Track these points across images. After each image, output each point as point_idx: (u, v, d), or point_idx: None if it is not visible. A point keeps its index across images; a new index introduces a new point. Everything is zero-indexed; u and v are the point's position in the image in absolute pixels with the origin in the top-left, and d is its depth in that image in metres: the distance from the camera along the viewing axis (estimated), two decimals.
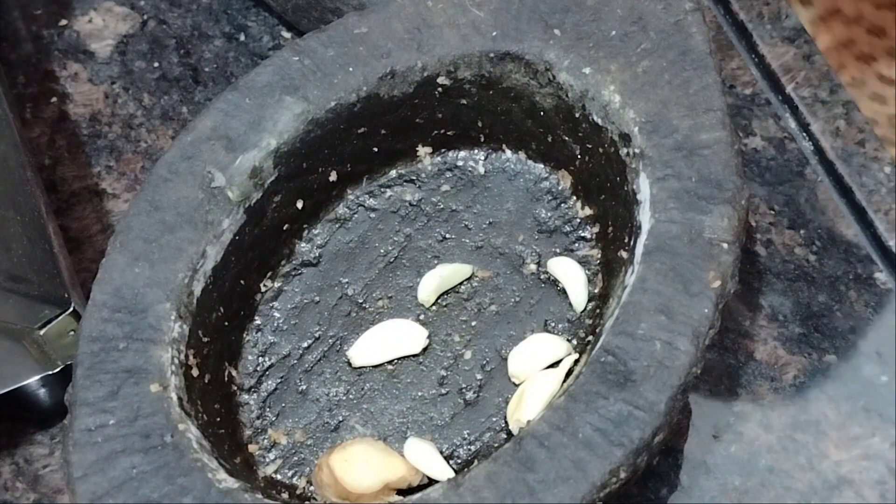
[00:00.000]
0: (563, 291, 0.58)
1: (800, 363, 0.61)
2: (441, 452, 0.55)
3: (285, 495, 0.54)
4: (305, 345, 0.58)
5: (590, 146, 0.57)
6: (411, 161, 0.61)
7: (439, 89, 0.59)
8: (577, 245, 0.59)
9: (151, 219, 0.55)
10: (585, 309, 0.57)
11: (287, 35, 0.72)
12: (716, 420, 0.60)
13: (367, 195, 0.61)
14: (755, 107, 0.68)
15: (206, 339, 0.55)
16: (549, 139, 0.59)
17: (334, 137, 0.59)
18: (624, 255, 0.55)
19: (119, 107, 0.70)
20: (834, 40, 0.79)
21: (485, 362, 0.57)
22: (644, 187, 0.54)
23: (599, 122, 0.56)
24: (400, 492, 0.53)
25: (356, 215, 0.61)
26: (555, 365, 0.55)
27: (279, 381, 0.57)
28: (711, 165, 0.53)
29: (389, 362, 0.57)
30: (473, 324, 0.58)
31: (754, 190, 0.65)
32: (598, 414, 0.49)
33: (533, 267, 0.59)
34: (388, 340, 0.57)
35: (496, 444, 0.55)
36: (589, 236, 0.59)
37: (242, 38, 0.72)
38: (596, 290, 0.57)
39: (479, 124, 0.60)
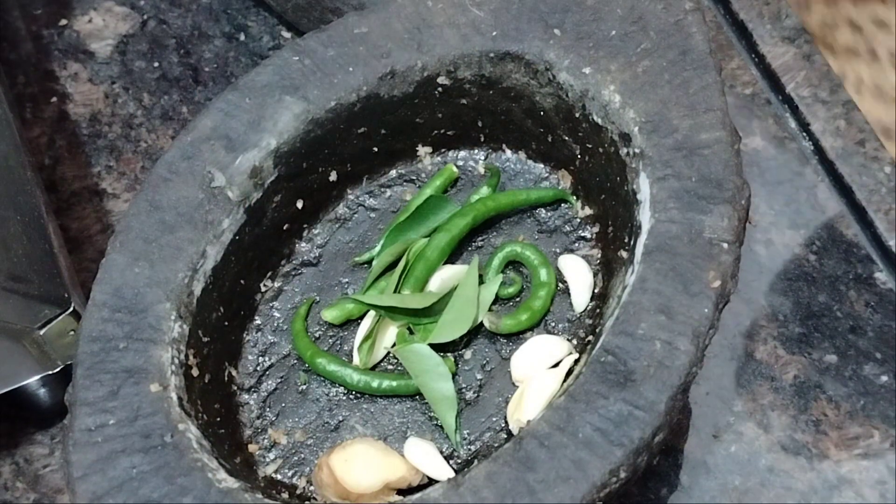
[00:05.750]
0: (564, 291, 0.58)
1: (800, 363, 0.61)
2: (441, 452, 0.55)
3: (285, 495, 0.54)
4: None
5: (590, 146, 0.57)
6: (411, 161, 0.61)
7: (439, 89, 0.59)
8: (577, 245, 0.59)
9: (151, 219, 0.55)
10: (586, 309, 0.57)
11: (287, 35, 0.72)
12: (716, 420, 0.60)
13: (367, 195, 0.61)
14: (755, 107, 0.68)
15: (206, 339, 0.55)
16: (549, 139, 0.59)
17: (334, 137, 0.59)
18: (624, 254, 0.55)
19: (119, 107, 0.70)
20: None
21: (485, 362, 0.57)
22: (644, 187, 0.54)
23: (599, 121, 0.56)
24: (400, 492, 0.53)
25: (356, 215, 0.61)
26: (555, 365, 0.55)
27: (279, 380, 0.57)
28: (711, 165, 0.53)
29: (389, 362, 0.57)
30: None
31: (754, 190, 0.65)
32: (599, 414, 0.49)
33: None
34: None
35: (496, 444, 0.55)
36: (589, 236, 0.59)
37: (242, 38, 0.72)
38: (596, 290, 0.57)
39: (479, 124, 0.60)
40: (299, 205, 0.59)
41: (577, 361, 0.55)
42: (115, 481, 0.50)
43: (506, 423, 0.55)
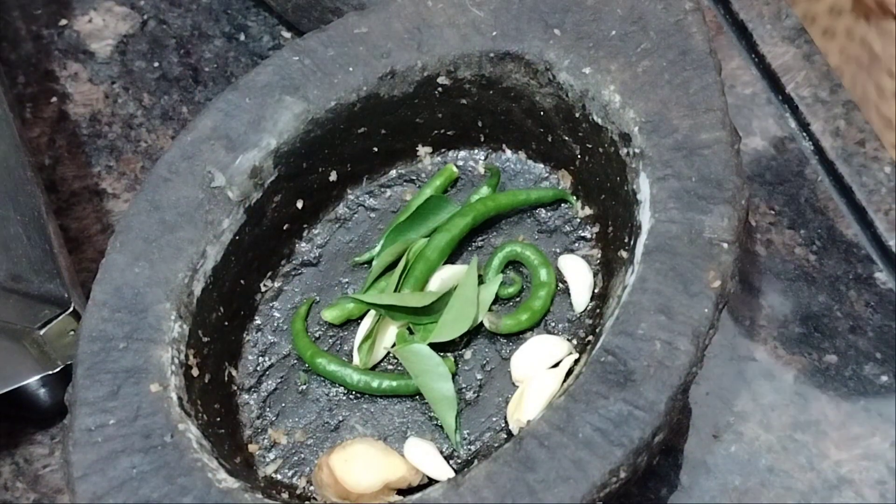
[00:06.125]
0: (564, 291, 0.58)
1: (800, 363, 0.61)
2: (441, 452, 0.55)
3: (285, 495, 0.54)
4: None
5: (590, 146, 0.57)
6: (411, 161, 0.61)
7: (439, 89, 0.59)
8: (577, 245, 0.59)
9: (151, 219, 0.55)
10: (586, 309, 0.57)
11: (287, 35, 0.72)
12: (716, 420, 0.60)
13: (367, 195, 0.61)
14: (755, 107, 0.68)
15: (206, 339, 0.55)
16: (549, 139, 0.59)
17: (334, 137, 0.59)
18: (624, 254, 0.55)
19: (119, 107, 0.70)
20: None
21: (485, 362, 0.57)
22: (644, 187, 0.54)
23: (599, 121, 0.56)
24: (400, 492, 0.53)
25: (356, 215, 0.61)
26: (555, 365, 0.55)
27: (279, 380, 0.57)
28: (711, 165, 0.53)
29: (389, 362, 0.57)
30: None
31: (754, 190, 0.65)
32: (599, 414, 0.49)
33: None
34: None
35: (496, 444, 0.55)
36: (589, 236, 0.59)
37: (242, 38, 0.72)
38: (596, 290, 0.57)
39: (479, 124, 0.60)
40: (299, 205, 0.59)
41: (577, 361, 0.55)
42: (115, 481, 0.50)
43: (506, 423, 0.55)
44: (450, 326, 0.56)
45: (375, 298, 0.56)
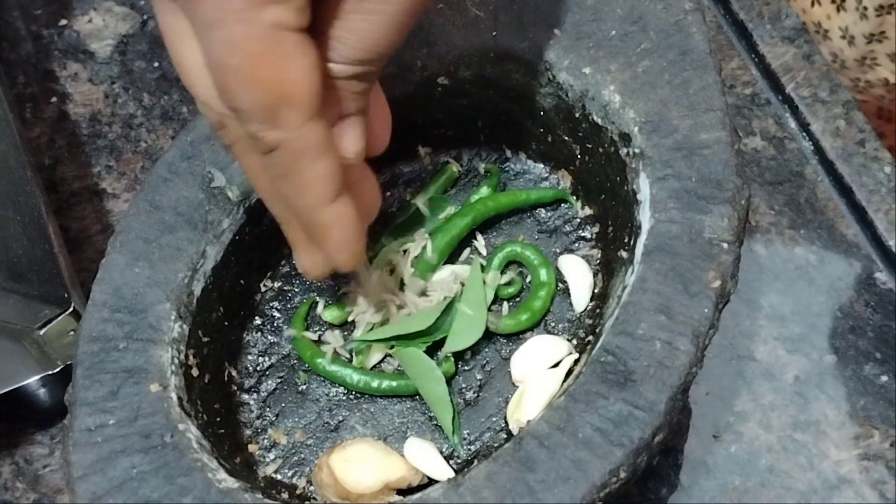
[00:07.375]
0: (564, 291, 0.58)
1: (800, 363, 0.61)
2: (441, 452, 0.55)
3: (285, 495, 0.54)
4: None
5: (590, 146, 0.57)
6: (411, 161, 0.61)
7: (439, 89, 0.59)
8: (577, 245, 0.59)
9: (151, 219, 0.55)
10: (586, 309, 0.57)
11: None
12: (716, 420, 0.60)
13: None
14: (755, 107, 0.68)
15: (206, 339, 0.55)
16: (549, 139, 0.59)
17: None
18: (624, 254, 0.54)
19: (119, 107, 0.70)
20: None
21: (485, 362, 0.57)
22: (644, 187, 0.54)
23: (599, 121, 0.56)
24: (400, 492, 0.53)
25: None
26: (555, 365, 0.55)
27: (279, 380, 0.57)
28: (711, 165, 0.53)
29: (389, 362, 0.57)
30: None
31: (754, 190, 0.65)
32: (598, 414, 0.49)
33: None
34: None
35: (496, 444, 0.55)
36: (589, 236, 0.59)
37: None
38: (596, 290, 0.57)
39: (479, 124, 0.60)
40: None
41: (577, 361, 0.55)
42: (115, 481, 0.50)
43: (506, 423, 0.55)
44: (463, 336, 0.56)
45: (379, 333, 0.56)
